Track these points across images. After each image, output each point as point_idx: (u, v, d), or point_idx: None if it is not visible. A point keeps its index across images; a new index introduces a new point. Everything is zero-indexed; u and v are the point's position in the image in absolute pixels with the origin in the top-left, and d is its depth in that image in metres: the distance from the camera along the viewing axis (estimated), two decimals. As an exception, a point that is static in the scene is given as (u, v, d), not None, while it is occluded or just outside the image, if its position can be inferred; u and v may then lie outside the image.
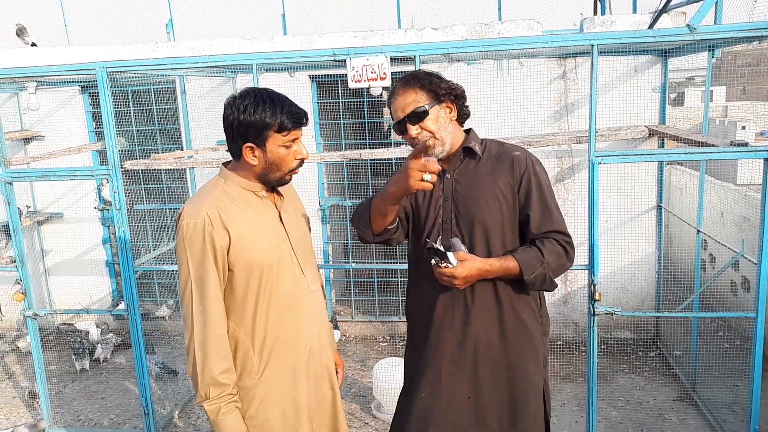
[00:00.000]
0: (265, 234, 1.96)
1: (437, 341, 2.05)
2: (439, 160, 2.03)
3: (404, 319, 5.55)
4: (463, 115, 2.08)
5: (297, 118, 1.89)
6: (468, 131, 2.11)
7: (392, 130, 7.68)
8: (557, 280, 2.03)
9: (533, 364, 2.04)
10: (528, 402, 2.03)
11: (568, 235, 2.00)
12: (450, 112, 2.03)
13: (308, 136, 4.98)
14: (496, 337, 2.00)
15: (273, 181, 1.96)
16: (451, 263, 1.86)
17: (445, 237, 2.01)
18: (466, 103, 2.08)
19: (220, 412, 1.87)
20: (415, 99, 1.97)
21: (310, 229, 2.20)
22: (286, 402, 1.98)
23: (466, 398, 2.03)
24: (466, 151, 2.05)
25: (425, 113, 1.96)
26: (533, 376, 2.04)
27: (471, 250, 1.97)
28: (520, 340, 2.02)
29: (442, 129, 1.99)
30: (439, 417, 2.05)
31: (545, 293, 2.15)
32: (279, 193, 2.04)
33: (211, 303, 1.87)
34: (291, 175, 1.98)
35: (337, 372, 2.21)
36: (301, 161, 1.95)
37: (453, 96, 2.01)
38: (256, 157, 1.90)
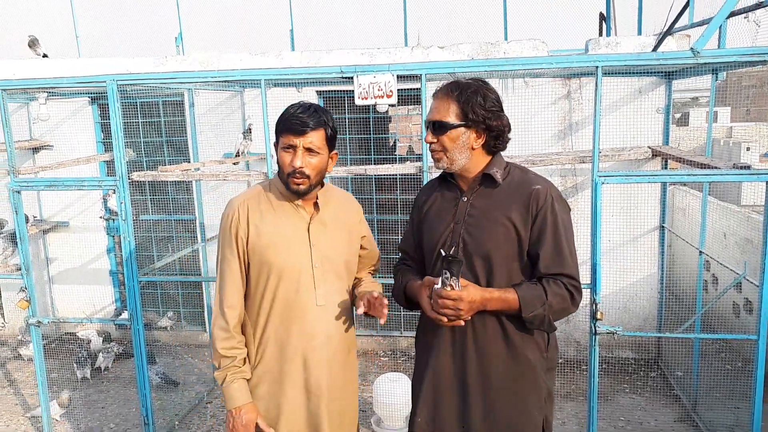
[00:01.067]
0: (285, 239, 2.05)
1: (436, 368, 2.01)
2: (458, 182, 2.03)
3: (405, 334, 5.57)
4: (494, 147, 1.98)
5: (289, 123, 1.98)
6: (495, 155, 2.02)
7: (395, 147, 7.71)
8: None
9: (533, 401, 1.97)
10: None
11: (578, 281, 1.92)
12: (477, 139, 1.95)
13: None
14: (497, 370, 1.94)
15: (287, 188, 2.03)
16: (457, 286, 1.81)
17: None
18: (506, 137, 1.99)
19: (226, 380, 2.05)
20: (446, 110, 1.92)
21: (369, 252, 2.29)
22: (271, 402, 2.07)
23: (460, 428, 1.98)
24: (485, 177, 1.98)
25: (445, 129, 1.93)
26: (532, 410, 1.97)
27: (473, 280, 1.91)
28: (522, 375, 1.95)
29: (456, 150, 1.94)
30: None
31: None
32: (317, 207, 2.10)
33: (228, 286, 2.06)
34: (296, 185, 2.01)
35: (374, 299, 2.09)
36: (294, 171, 1.98)
37: (484, 126, 1.93)
38: (277, 157, 2.06)
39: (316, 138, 1.99)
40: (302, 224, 2.08)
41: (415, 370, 2.16)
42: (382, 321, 2.05)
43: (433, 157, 2.00)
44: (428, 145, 1.99)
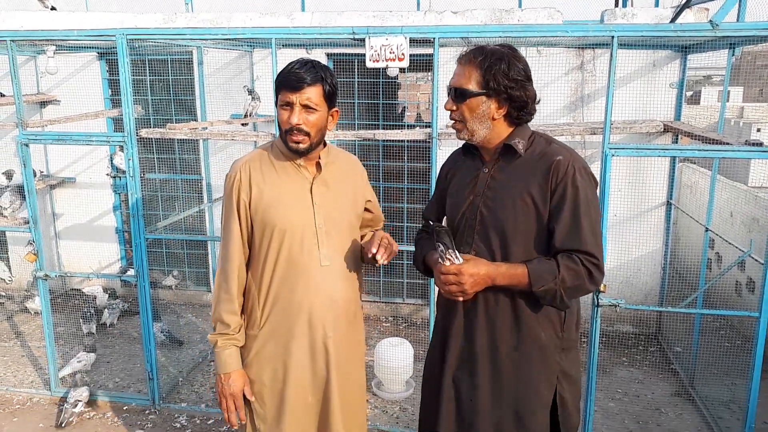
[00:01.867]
0: (287, 199, 2.05)
1: (447, 347, 1.98)
2: (481, 152, 1.97)
3: (408, 301, 5.62)
4: (516, 118, 1.88)
5: (286, 79, 1.95)
6: (518, 124, 1.91)
7: (403, 114, 7.64)
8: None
9: (541, 378, 1.90)
10: (533, 414, 1.91)
11: (597, 258, 1.78)
12: (498, 110, 1.85)
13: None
14: (505, 344, 1.90)
15: (287, 147, 2.02)
16: (456, 259, 1.78)
17: (468, 235, 1.91)
18: (532, 108, 1.88)
19: (218, 344, 2.09)
20: (467, 76, 1.83)
21: (374, 215, 2.29)
22: (278, 363, 2.08)
23: (469, 400, 1.95)
24: (507, 147, 1.88)
25: (465, 97, 1.84)
26: (539, 386, 1.90)
27: (489, 256, 1.86)
28: (530, 353, 1.89)
29: (476, 121, 1.86)
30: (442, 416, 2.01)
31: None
32: (320, 167, 2.09)
33: (230, 250, 2.07)
34: (294, 143, 1.98)
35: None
36: (292, 128, 1.96)
37: (506, 95, 1.83)
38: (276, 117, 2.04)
39: (313, 94, 1.95)
40: (305, 184, 2.07)
41: (432, 339, 2.15)
42: (382, 259, 2.03)
43: (453, 127, 1.93)
44: (448, 113, 1.92)
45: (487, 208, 1.89)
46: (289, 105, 1.96)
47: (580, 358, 2.03)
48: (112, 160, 5.59)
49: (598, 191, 3.02)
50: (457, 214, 1.97)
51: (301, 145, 1.99)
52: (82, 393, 3.86)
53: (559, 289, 1.77)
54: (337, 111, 2.09)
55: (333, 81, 2.01)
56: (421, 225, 2.26)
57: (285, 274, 2.04)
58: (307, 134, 1.97)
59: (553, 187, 1.80)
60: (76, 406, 3.81)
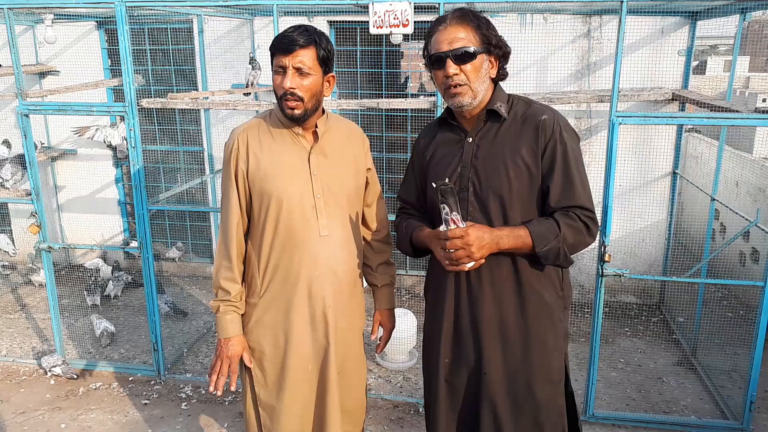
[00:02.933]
0: (285, 168, 2.02)
1: (455, 311, 1.94)
2: (460, 122, 1.95)
3: (411, 273, 5.63)
4: (499, 77, 1.91)
5: (278, 42, 1.92)
6: (495, 87, 1.92)
7: (406, 85, 7.55)
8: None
9: (552, 339, 1.92)
10: (547, 378, 1.92)
11: (592, 211, 1.83)
12: (491, 68, 1.87)
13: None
14: (513, 313, 1.89)
15: (284, 113, 1.99)
16: (460, 222, 1.73)
17: (462, 208, 1.85)
18: (506, 65, 1.92)
19: (219, 310, 2.11)
20: (466, 37, 1.80)
21: (368, 185, 2.24)
22: (278, 330, 2.09)
23: (482, 374, 1.92)
24: (490, 113, 1.88)
25: (472, 56, 1.80)
26: (552, 351, 1.92)
27: (488, 224, 1.84)
28: (538, 316, 1.89)
29: (479, 81, 1.83)
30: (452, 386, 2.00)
31: None
32: (317, 136, 2.06)
33: (230, 218, 2.08)
34: (289, 109, 1.95)
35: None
36: (286, 92, 1.93)
37: (501, 53, 1.86)
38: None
39: (306, 57, 1.91)
40: (302, 153, 2.04)
41: (429, 313, 2.10)
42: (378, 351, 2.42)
43: (453, 92, 1.84)
44: (445, 80, 1.83)
45: (478, 177, 1.86)
46: (282, 68, 1.92)
47: None
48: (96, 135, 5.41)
49: (601, 161, 2.99)
50: None
51: (296, 111, 1.95)
52: (57, 359, 4.00)
53: (562, 246, 1.79)
54: (333, 76, 2.04)
55: (328, 46, 1.97)
56: (397, 208, 2.21)
57: (284, 243, 2.03)
58: (301, 99, 1.93)
59: (543, 145, 1.82)
60: (53, 369, 3.98)
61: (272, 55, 1.95)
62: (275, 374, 2.11)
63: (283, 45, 1.90)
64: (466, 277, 1.91)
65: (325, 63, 1.97)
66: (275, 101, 2.05)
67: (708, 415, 3.57)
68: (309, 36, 1.91)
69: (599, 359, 3.47)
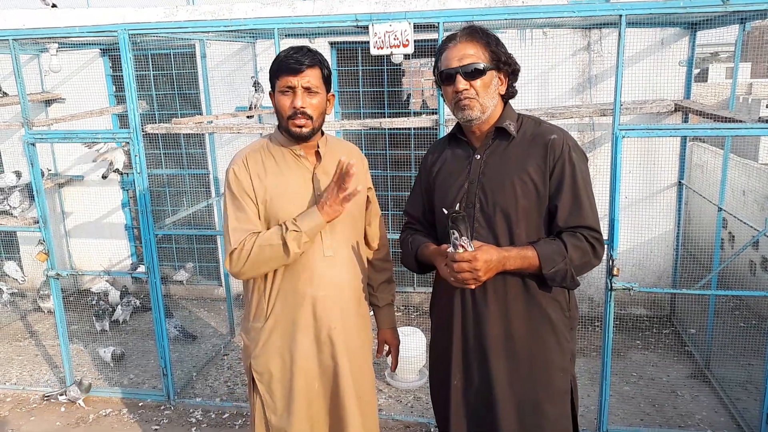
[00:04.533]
0: (289, 190, 2.03)
1: (462, 331, 1.94)
2: (469, 138, 1.96)
3: (418, 290, 5.60)
4: (509, 94, 1.94)
5: (285, 64, 1.93)
6: (505, 106, 1.95)
7: (408, 102, 7.58)
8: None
9: (559, 359, 1.91)
10: (554, 398, 1.91)
11: (599, 232, 1.84)
12: (501, 84, 1.90)
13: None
14: (520, 331, 1.88)
15: (289, 134, 2.01)
16: (469, 246, 1.74)
17: (468, 224, 1.84)
18: (515, 83, 1.95)
19: (289, 233, 1.95)
20: (476, 54, 1.83)
21: (369, 204, 2.24)
22: (285, 352, 2.08)
23: (489, 395, 1.91)
24: (499, 130, 1.90)
25: (482, 72, 1.83)
26: (557, 371, 1.91)
27: (494, 241, 1.84)
28: (545, 335, 1.89)
29: (488, 96, 1.86)
30: (458, 406, 1.99)
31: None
32: (319, 156, 2.08)
33: (248, 219, 2.00)
34: (297, 128, 1.97)
35: (387, 349, 2.40)
36: (296, 112, 1.94)
37: (510, 70, 1.90)
38: (274, 105, 2.00)
39: (313, 77, 1.95)
40: (306, 174, 2.06)
41: (435, 332, 2.09)
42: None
43: (462, 106, 1.86)
44: (455, 95, 1.86)
45: (484, 193, 1.87)
46: (291, 89, 1.94)
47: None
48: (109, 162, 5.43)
49: (606, 174, 2.97)
50: (451, 203, 1.92)
51: (305, 129, 1.97)
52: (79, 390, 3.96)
53: (570, 268, 1.79)
54: (333, 95, 2.08)
55: (328, 65, 2.03)
56: (404, 222, 2.21)
57: (289, 265, 2.03)
58: (311, 117, 1.96)
59: (551, 165, 1.83)
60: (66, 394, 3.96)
61: (276, 77, 1.97)
62: (284, 397, 2.10)
63: (290, 66, 1.92)
64: (471, 296, 1.90)
65: (328, 82, 2.02)
66: (277, 123, 2.06)
67: (724, 429, 3.52)
68: (314, 56, 1.96)
69: (611, 373, 3.43)
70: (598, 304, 5.16)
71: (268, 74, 2.01)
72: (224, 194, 2.08)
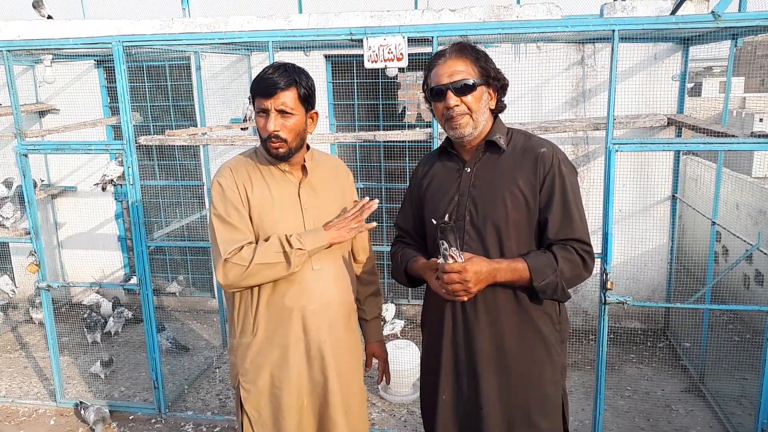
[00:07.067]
0: (276, 204, 2.01)
1: (452, 345, 1.93)
2: (459, 152, 1.97)
3: (413, 302, 5.58)
4: (498, 108, 1.96)
5: (258, 86, 1.92)
6: (494, 120, 1.97)
7: (403, 114, 7.61)
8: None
9: (549, 372, 1.91)
10: (545, 412, 1.90)
11: (589, 245, 1.85)
12: (490, 99, 1.91)
13: (322, 116, 4.95)
14: (510, 344, 1.87)
15: (269, 153, 1.99)
16: (458, 257, 1.73)
17: (458, 236, 1.84)
18: (504, 98, 1.97)
19: (294, 255, 1.95)
20: (466, 70, 1.84)
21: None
22: (274, 368, 2.06)
23: (479, 409, 1.90)
24: (489, 144, 1.91)
25: (472, 88, 1.83)
26: (549, 384, 1.91)
27: (485, 253, 1.84)
28: (536, 348, 1.88)
29: (480, 111, 1.87)
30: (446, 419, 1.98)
31: None
32: (305, 171, 2.07)
33: (237, 230, 1.98)
34: (274, 149, 1.96)
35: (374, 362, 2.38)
36: (270, 135, 1.93)
37: (499, 85, 1.91)
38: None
39: (288, 98, 1.92)
40: (292, 189, 2.05)
41: (426, 346, 2.08)
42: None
43: (454, 123, 1.86)
44: (446, 111, 1.86)
45: (475, 206, 1.87)
46: (265, 112, 1.93)
47: None
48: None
49: (600, 188, 2.98)
50: (441, 216, 1.90)
51: (281, 151, 1.96)
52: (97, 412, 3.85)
53: (560, 281, 1.79)
54: (316, 113, 2.05)
55: (308, 83, 1.98)
56: (395, 235, 2.21)
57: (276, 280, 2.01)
58: (285, 140, 1.94)
59: (541, 178, 1.84)
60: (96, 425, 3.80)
61: (253, 97, 1.96)
62: (272, 414, 2.08)
63: (263, 88, 1.91)
64: (462, 309, 1.90)
65: (307, 101, 1.98)
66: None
67: (718, 444, 3.50)
68: (289, 77, 1.92)
69: (606, 387, 3.41)
70: (592, 317, 5.15)
71: (250, 91, 2.00)
72: (210, 206, 2.06)
